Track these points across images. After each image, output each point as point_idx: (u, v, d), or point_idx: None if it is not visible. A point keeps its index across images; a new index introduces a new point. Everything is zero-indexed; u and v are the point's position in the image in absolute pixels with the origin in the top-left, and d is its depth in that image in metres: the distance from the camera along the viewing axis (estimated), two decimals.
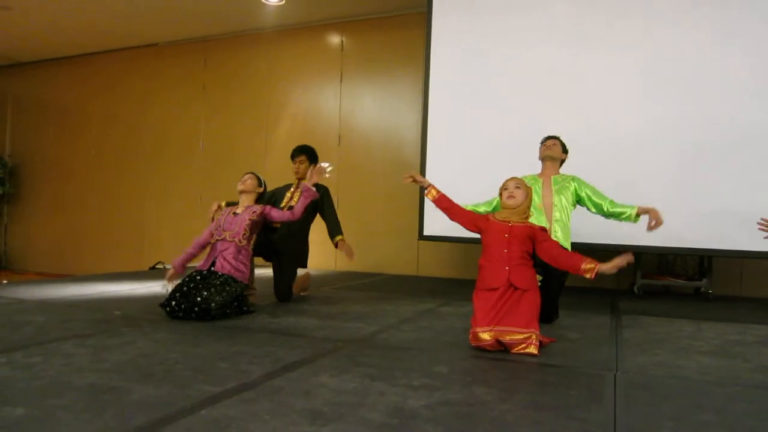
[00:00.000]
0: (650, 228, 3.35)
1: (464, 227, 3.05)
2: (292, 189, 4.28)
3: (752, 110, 4.54)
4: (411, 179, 3.24)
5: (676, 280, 5.14)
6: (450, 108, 5.47)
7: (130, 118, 8.36)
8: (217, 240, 3.59)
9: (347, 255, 4.05)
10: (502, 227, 2.83)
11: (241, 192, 3.78)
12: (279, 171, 6.17)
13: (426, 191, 3.18)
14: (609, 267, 2.56)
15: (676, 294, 5.31)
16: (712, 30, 4.67)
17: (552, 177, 3.68)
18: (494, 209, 3.65)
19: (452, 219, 3.09)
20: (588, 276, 2.64)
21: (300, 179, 4.27)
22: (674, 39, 4.77)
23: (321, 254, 6.82)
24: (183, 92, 7.92)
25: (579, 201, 3.65)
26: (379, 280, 5.81)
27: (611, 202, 3.56)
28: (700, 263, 5.13)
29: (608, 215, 3.57)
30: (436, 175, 5.43)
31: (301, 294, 4.33)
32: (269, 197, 4.25)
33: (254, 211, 3.68)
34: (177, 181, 7.86)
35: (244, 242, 3.59)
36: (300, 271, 4.29)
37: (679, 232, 4.64)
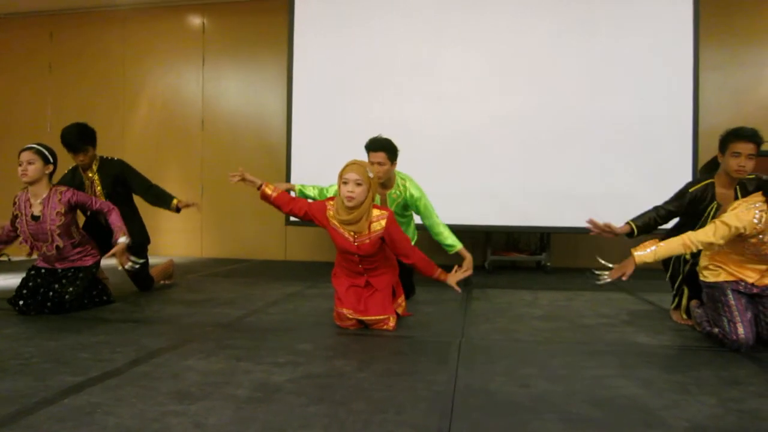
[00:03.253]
0: (459, 274, 2.97)
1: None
2: (88, 186, 3.71)
3: (586, 104, 5.13)
4: (240, 178, 2.91)
5: (520, 255, 5.71)
6: (314, 94, 5.58)
7: None
8: (39, 254, 3.21)
9: (193, 205, 3.76)
10: (348, 246, 2.76)
11: (29, 184, 3.12)
12: (138, 156, 5.93)
13: (260, 191, 2.89)
14: (453, 281, 2.91)
15: (521, 268, 5.89)
16: (552, 29, 5.19)
17: (387, 194, 3.48)
18: (323, 196, 3.54)
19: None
20: (438, 277, 2.93)
21: (85, 169, 3.72)
22: (519, 36, 5.24)
23: (186, 241, 6.67)
24: (25, 70, 7.25)
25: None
26: (247, 266, 5.83)
27: (444, 227, 3.43)
28: (541, 239, 5.73)
29: (433, 234, 3.47)
30: (301, 161, 5.55)
31: (166, 283, 4.24)
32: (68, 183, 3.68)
33: (58, 212, 3.10)
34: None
35: (65, 237, 3.15)
36: (162, 258, 4.19)
37: (523, 212, 5.18)
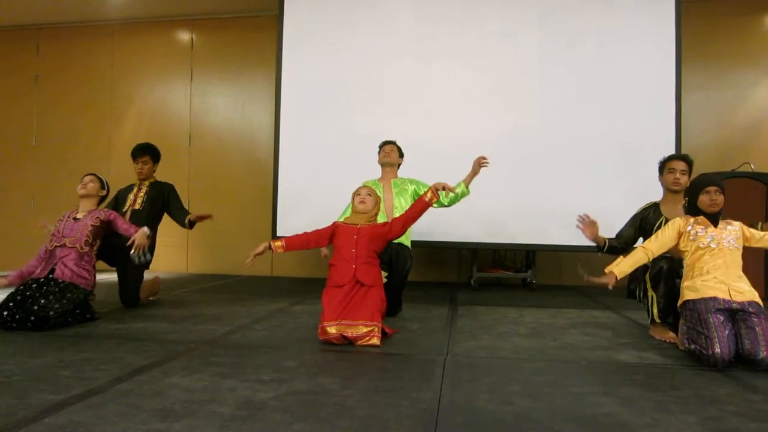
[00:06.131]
0: (478, 164, 3.89)
1: (324, 246, 3.35)
2: (135, 190, 4.18)
3: (570, 123, 5.21)
4: (254, 259, 3.12)
5: (506, 273, 5.74)
6: (302, 109, 5.61)
7: None
8: (56, 246, 3.40)
9: (206, 217, 4.08)
10: (351, 229, 3.14)
11: (83, 196, 3.60)
12: (124, 172, 5.89)
13: (273, 250, 3.16)
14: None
15: (506, 285, 5.91)
16: (537, 50, 5.29)
17: (392, 181, 4.05)
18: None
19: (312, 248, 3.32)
20: (431, 197, 3.22)
21: (143, 180, 4.21)
22: (504, 56, 5.32)
23: (172, 257, 6.63)
24: (10, 83, 7.22)
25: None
26: (233, 282, 5.80)
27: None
28: (527, 257, 5.76)
29: (447, 203, 3.95)
30: (288, 176, 5.55)
31: (151, 299, 4.22)
32: (113, 201, 4.12)
33: (97, 217, 3.53)
34: (3, 181, 7.14)
35: (87, 249, 3.44)
36: (148, 275, 4.18)
37: (509, 230, 5.22)
